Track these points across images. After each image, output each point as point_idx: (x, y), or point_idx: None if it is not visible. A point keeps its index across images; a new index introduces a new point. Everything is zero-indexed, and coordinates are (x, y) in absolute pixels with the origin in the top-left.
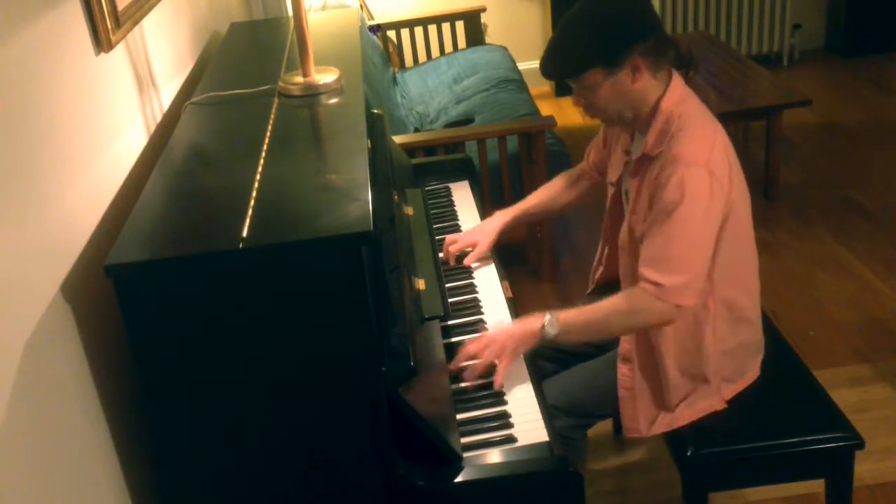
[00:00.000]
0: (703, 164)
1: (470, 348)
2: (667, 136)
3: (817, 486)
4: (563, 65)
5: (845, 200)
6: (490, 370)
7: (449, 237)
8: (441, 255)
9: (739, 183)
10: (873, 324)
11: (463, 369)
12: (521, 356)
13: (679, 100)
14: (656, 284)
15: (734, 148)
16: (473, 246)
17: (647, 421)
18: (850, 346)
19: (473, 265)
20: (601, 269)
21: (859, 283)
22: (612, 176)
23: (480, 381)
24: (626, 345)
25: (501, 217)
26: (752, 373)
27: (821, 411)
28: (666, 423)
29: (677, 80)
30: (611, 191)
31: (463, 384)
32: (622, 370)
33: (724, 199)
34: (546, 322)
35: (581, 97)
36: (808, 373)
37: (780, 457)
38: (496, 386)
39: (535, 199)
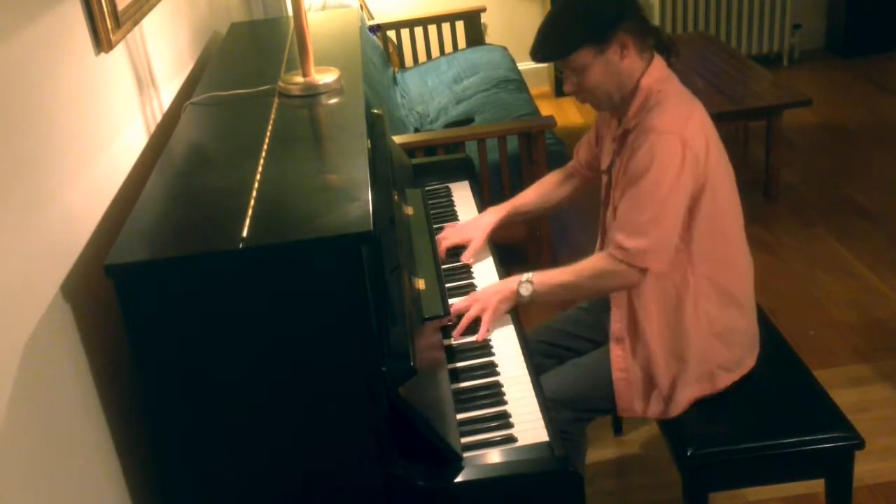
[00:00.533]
0: (676, 133)
1: (459, 305)
2: (644, 110)
3: (817, 486)
4: (553, 47)
5: (845, 200)
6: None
7: (444, 232)
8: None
9: (719, 160)
10: (873, 324)
11: (457, 329)
12: (521, 353)
13: (659, 78)
14: (622, 248)
15: (734, 149)
16: (467, 242)
17: (642, 401)
18: (850, 346)
19: (471, 261)
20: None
21: (859, 283)
22: (605, 164)
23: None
24: (617, 324)
25: (495, 213)
26: (749, 360)
27: (821, 411)
28: (660, 409)
29: (658, 61)
30: (604, 179)
31: (463, 384)
32: (615, 351)
33: (697, 171)
34: (523, 281)
35: (572, 80)
36: (808, 373)
37: (780, 457)
38: (478, 337)
39: (528, 196)
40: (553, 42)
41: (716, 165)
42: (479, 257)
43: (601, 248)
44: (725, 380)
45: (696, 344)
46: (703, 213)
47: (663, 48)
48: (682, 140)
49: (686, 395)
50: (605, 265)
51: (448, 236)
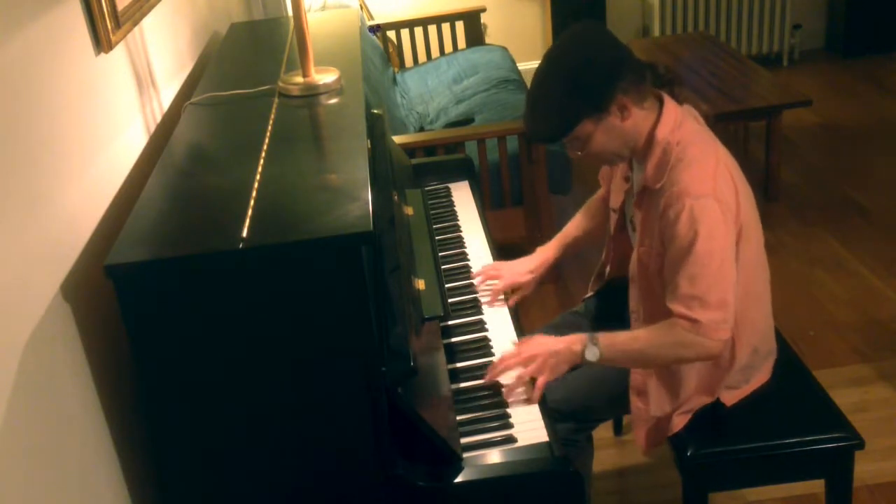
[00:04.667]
0: (709, 195)
1: (510, 362)
2: (666, 168)
3: (817, 486)
4: (552, 128)
5: (845, 200)
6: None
7: (490, 269)
8: (477, 280)
9: (747, 199)
10: (873, 324)
11: (497, 381)
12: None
13: (674, 127)
14: (693, 321)
15: (734, 149)
16: (517, 286)
17: (654, 436)
18: (850, 346)
19: (473, 266)
20: (599, 282)
21: (859, 283)
22: (614, 202)
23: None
24: (637, 377)
25: (543, 254)
26: (762, 376)
27: (821, 411)
28: (667, 430)
29: (669, 106)
30: (613, 217)
31: (463, 384)
32: (636, 403)
33: (734, 224)
34: (587, 345)
35: (575, 150)
36: (808, 373)
37: (780, 457)
38: (533, 402)
39: (572, 230)
40: (549, 121)
41: (746, 209)
42: (479, 257)
43: (602, 277)
44: (732, 397)
45: (726, 379)
46: (739, 259)
47: (662, 82)
48: (717, 199)
49: (688, 414)
50: (684, 337)
51: (497, 272)
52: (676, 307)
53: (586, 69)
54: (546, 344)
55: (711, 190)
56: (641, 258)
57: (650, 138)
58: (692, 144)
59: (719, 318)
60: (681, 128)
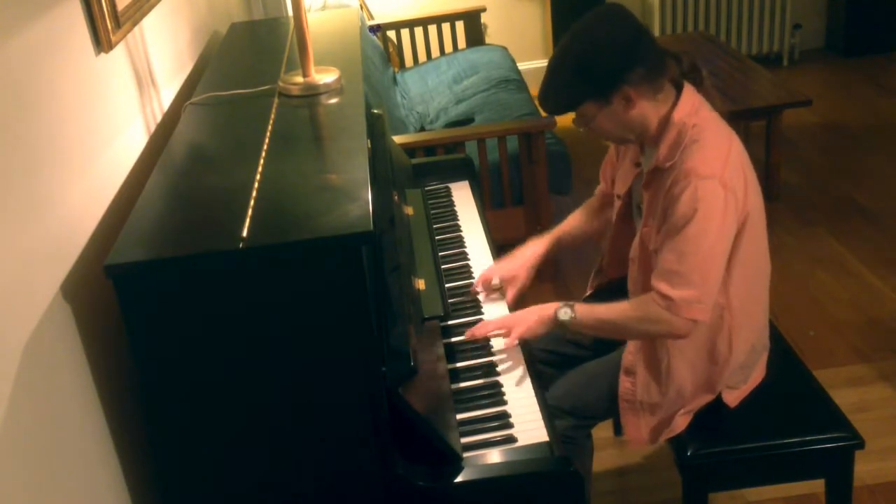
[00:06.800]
0: (717, 177)
1: (490, 326)
2: (679, 148)
3: (817, 486)
4: (557, 103)
5: (845, 200)
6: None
7: (486, 270)
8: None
9: (755, 191)
10: (873, 324)
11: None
12: (521, 353)
13: (691, 111)
14: (666, 298)
15: None
16: (510, 280)
17: (650, 431)
18: (850, 346)
19: (473, 265)
20: (601, 275)
21: (859, 283)
22: (620, 188)
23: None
24: (629, 357)
25: (537, 246)
26: (758, 374)
27: (821, 411)
28: (668, 430)
29: (688, 92)
30: (618, 204)
31: (463, 384)
32: (624, 382)
33: (738, 212)
34: (561, 307)
35: (580, 125)
36: (808, 373)
37: (780, 457)
38: (506, 345)
39: (569, 225)
40: (556, 95)
41: (754, 201)
42: (478, 257)
43: (602, 268)
44: (734, 397)
45: (723, 374)
46: (743, 251)
47: (685, 78)
48: (724, 183)
49: (690, 413)
50: (653, 313)
51: (490, 274)
52: (656, 280)
53: (596, 54)
54: (525, 312)
55: (720, 173)
56: (643, 239)
57: (665, 122)
58: (708, 129)
59: (694, 297)
60: (698, 113)
